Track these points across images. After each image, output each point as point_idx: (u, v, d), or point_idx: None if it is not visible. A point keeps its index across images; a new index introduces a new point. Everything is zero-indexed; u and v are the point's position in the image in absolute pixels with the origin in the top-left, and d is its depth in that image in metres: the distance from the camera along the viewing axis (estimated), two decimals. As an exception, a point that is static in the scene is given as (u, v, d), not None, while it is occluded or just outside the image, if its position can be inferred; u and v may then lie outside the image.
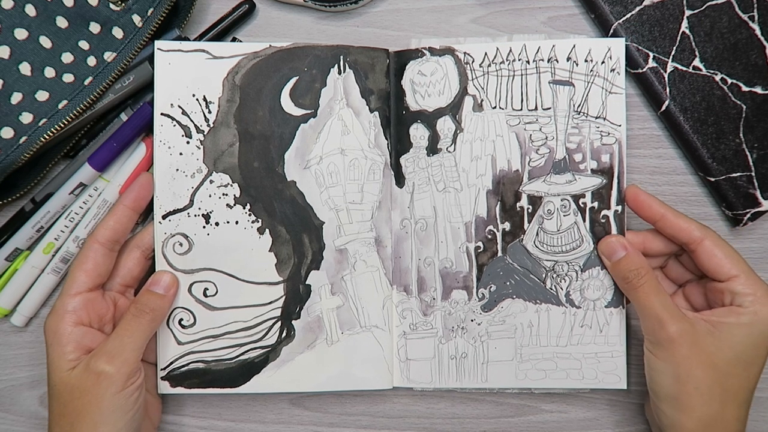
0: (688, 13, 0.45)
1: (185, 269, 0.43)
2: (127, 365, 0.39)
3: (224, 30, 0.46)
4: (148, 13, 0.44)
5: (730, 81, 0.45)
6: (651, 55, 0.45)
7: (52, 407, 0.40)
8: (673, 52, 0.45)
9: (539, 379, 0.44)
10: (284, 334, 0.44)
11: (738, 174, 0.45)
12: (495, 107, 0.44)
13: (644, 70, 0.45)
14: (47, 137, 0.42)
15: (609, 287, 0.44)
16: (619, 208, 0.43)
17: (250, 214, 0.44)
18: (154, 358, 0.44)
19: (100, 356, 0.39)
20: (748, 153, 0.45)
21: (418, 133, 0.45)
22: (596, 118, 0.43)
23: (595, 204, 0.44)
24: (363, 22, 0.48)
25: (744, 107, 0.45)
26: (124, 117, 0.45)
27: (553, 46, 0.43)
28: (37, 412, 0.47)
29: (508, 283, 0.44)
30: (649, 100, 0.46)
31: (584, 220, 0.44)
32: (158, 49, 0.43)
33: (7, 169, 0.42)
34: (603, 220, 0.43)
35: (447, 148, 0.44)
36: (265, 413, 0.48)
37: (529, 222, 0.44)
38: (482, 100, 0.44)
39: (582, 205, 0.44)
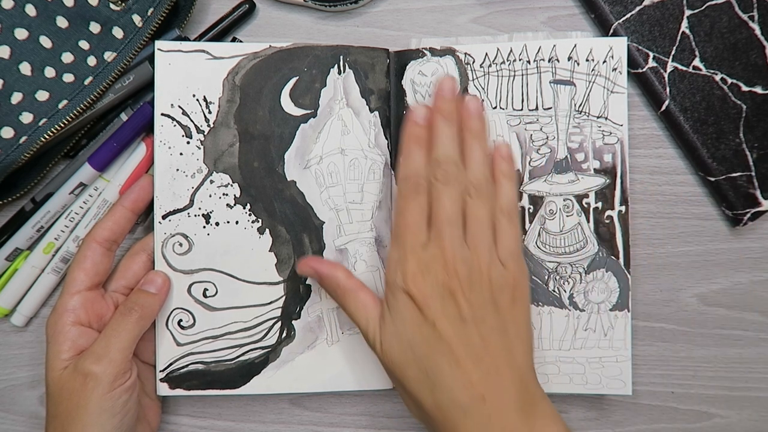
0: (688, 12, 0.45)
1: (185, 269, 0.43)
2: (113, 366, 0.38)
3: (224, 30, 0.46)
4: (148, 13, 0.44)
5: (730, 81, 0.45)
6: (651, 54, 0.45)
7: (48, 407, 0.40)
8: (673, 52, 0.45)
9: (541, 384, 0.43)
10: (284, 335, 0.44)
11: (738, 174, 0.45)
12: (495, 107, 0.44)
13: (644, 69, 0.45)
14: (47, 137, 0.42)
15: (614, 290, 0.43)
16: (623, 208, 0.43)
17: (250, 214, 0.44)
18: (153, 359, 0.44)
19: (87, 357, 0.39)
20: (748, 153, 0.45)
21: (418, 133, 0.45)
22: (598, 117, 0.43)
23: (599, 204, 0.43)
24: (363, 22, 0.48)
25: (744, 107, 0.45)
26: (124, 117, 0.45)
27: (554, 45, 0.43)
28: (37, 412, 0.47)
29: None
30: (649, 100, 0.46)
31: (588, 221, 0.43)
32: (158, 49, 0.43)
33: (7, 169, 0.42)
34: (607, 221, 0.43)
35: (447, 148, 0.44)
36: (265, 413, 0.47)
37: (531, 222, 0.44)
38: (483, 101, 0.44)
39: (586, 206, 0.43)
